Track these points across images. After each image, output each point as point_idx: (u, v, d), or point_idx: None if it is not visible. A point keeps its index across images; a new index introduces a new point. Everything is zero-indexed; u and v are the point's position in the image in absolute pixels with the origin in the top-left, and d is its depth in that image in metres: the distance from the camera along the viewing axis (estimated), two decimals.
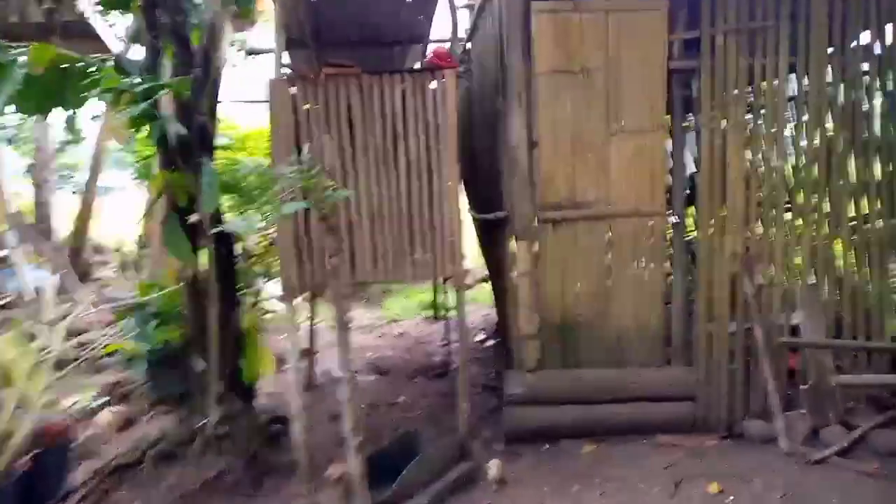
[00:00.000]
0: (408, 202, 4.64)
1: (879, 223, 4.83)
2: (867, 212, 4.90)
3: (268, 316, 6.13)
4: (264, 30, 8.73)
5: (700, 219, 4.85)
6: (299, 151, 3.96)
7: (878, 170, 4.85)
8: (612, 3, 4.77)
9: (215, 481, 4.31)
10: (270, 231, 6.03)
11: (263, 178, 4.76)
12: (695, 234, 4.93)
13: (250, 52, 8.76)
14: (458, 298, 4.74)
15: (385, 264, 4.67)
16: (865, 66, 4.87)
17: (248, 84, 7.78)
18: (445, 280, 4.73)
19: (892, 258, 4.84)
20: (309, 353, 6.59)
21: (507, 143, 4.96)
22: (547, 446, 4.86)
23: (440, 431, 4.95)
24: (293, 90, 4.55)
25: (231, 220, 4.80)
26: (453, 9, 5.94)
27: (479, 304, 9.27)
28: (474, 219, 6.73)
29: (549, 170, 4.88)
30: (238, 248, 4.98)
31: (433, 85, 4.59)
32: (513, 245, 5.08)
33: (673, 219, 4.90)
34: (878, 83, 4.85)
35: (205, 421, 4.39)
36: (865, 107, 4.86)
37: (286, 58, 6.65)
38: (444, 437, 4.68)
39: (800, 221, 4.86)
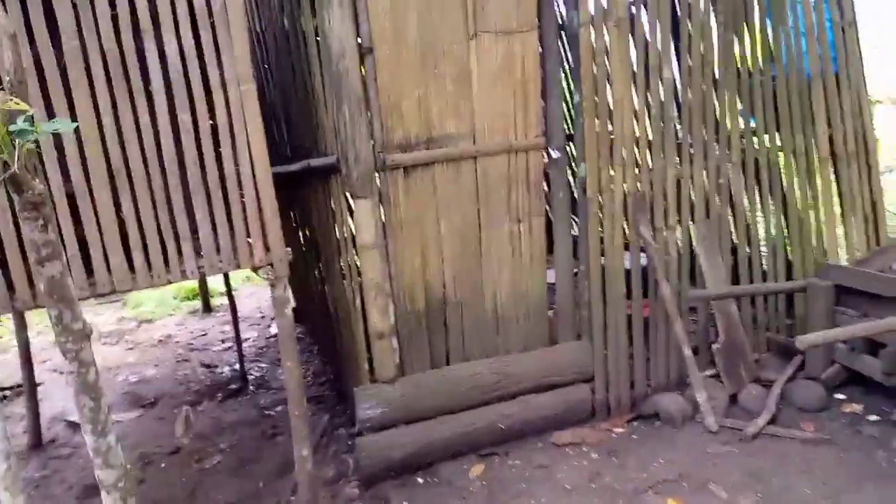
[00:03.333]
0: (175, 150, 2.78)
1: (766, 140, 4.15)
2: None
3: None
4: None
5: (584, 152, 3.72)
6: None
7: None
8: None
9: None
10: None
11: None
12: (577, 172, 3.81)
13: None
14: (277, 300, 3.04)
15: (146, 260, 2.78)
16: None
17: None
18: (256, 269, 2.96)
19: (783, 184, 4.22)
20: (25, 392, 4.35)
21: (328, 52, 3.29)
22: (421, 480, 3.48)
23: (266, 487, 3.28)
24: None
25: None
26: None
27: (258, 284, 7.43)
28: None
29: (393, 90, 3.34)
30: None
31: None
32: (346, 207, 3.49)
33: (554, 153, 3.70)
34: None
35: None
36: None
37: None
38: None
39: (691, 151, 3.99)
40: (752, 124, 4.13)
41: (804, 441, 3.46)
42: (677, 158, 3.92)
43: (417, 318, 3.54)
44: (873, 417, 3.61)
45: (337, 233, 3.55)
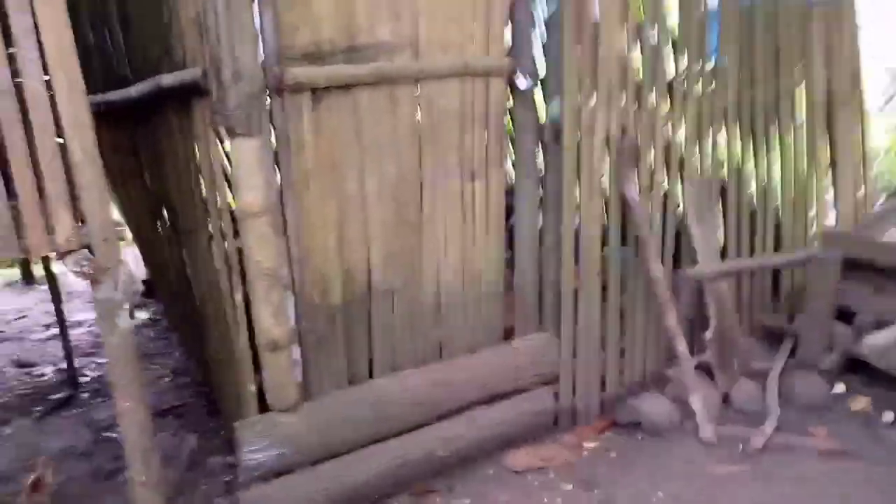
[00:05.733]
0: None
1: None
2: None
3: None
4: None
5: (560, 82, 2.69)
6: None
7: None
8: None
9: None
10: None
11: None
12: (546, 109, 2.77)
13: None
14: (101, 307, 1.81)
15: None
16: None
17: None
18: (63, 256, 1.70)
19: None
20: None
21: None
22: None
23: None
24: None
25: None
26: None
27: None
28: None
29: None
30: None
31: None
32: (218, 150, 2.27)
33: (522, 80, 2.63)
34: None
35: None
36: None
37: None
38: None
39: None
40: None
41: (822, 453, 2.76)
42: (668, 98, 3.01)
43: (330, 317, 2.42)
44: (889, 417, 2.98)
45: (203, 191, 2.32)
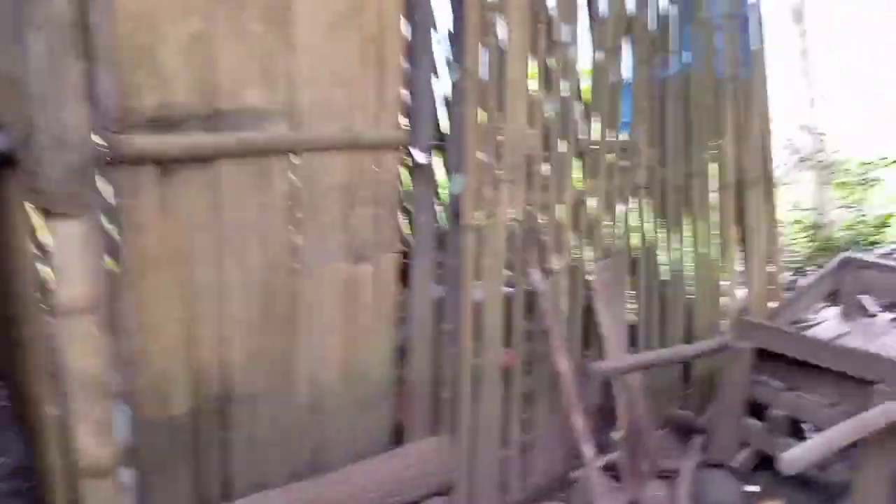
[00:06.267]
0: None
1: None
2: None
3: None
4: None
5: (462, 157, 2.42)
6: None
7: None
8: None
9: None
10: None
11: None
12: (448, 187, 2.48)
13: None
14: None
15: None
16: None
17: None
18: None
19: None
20: None
21: None
22: None
23: None
24: None
25: None
26: None
27: None
28: None
29: (142, 16, 1.75)
30: None
31: None
32: (33, 230, 1.84)
33: (419, 155, 2.34)
34: None
35: None
36: None
37: None
38: None
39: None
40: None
41: None
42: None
43: (173, 433, 1.99)
44: None
45: (16, 280, 1.88)
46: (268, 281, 2.09)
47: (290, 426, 2.25)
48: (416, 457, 2.54)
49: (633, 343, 3.13)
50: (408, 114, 2.33)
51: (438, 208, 2.60)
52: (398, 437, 2.57)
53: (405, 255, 2.46)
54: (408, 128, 2.33)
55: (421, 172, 2.39)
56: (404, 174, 2.38)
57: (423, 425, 2.59)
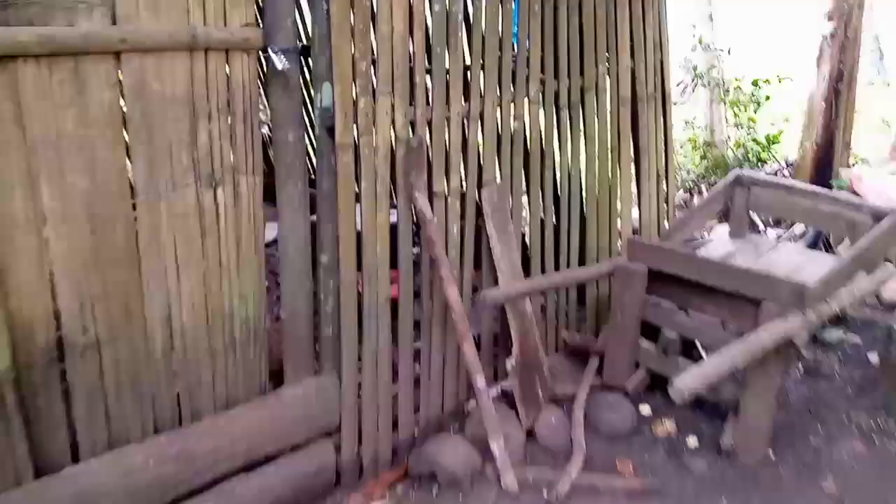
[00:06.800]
0: None
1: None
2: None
3: None
4: None
5: (330, 65, 2.13)
6: None
7: None
8: None
9: None
10: None
11: None
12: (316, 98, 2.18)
13: None
14: None
15: None
16: None
17: None
18: None
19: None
20: None
21: None
22: None
23: None
24: None
25: None
26: None
27: None
28: None
29: None
30: None
31: None
32: None
33: (278, 59, 2.01)
34: None
35: None
36: None
37: None
38: None
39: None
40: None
41: (628, 494, 2.52)
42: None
43: None
44: (693, 442, 2.82)
45: None
46: (98, 213, 1.77)
47: (144, 375, 1.97)
48: (296, 401, 2.34)
49: (525, 267, 3.00)
50: (262, 9, 2.00)
51: (308, 124, 2.30)
52: (279, 380, 2.35)
53: (271, 177, 2.16)
54: (264, 26, 2.00)
55: (283, 81, 2.07)
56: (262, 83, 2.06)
57: (304, 366, 2.37)
